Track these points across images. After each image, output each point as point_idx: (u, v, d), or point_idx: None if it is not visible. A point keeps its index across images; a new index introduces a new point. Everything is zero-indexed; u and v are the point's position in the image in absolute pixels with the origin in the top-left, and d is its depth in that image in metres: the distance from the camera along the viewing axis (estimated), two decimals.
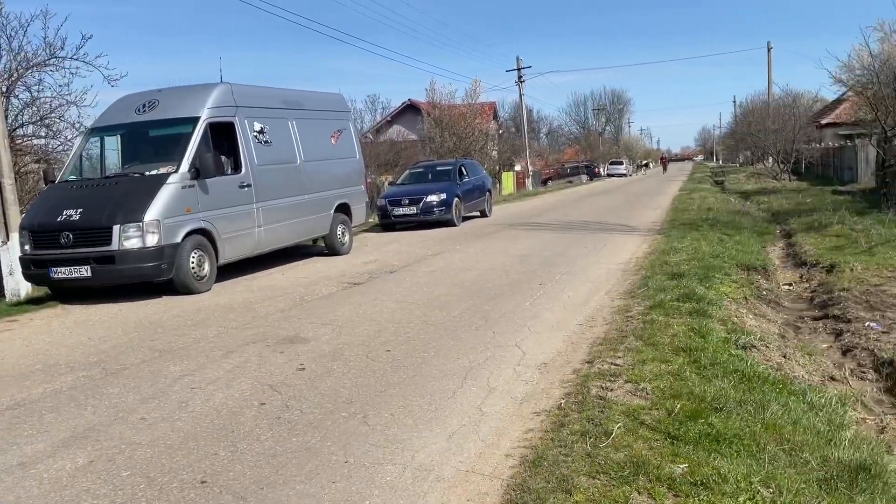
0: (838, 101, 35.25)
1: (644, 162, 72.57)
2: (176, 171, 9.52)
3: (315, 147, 12.59)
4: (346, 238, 13.43)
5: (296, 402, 4.78)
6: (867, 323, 6.44)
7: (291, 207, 11.71)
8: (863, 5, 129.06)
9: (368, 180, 21.23)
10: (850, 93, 27.08)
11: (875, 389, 5.12)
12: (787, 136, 35.54)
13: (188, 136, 9.83)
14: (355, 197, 13.87)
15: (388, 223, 18.10)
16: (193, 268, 9.46)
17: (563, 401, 4.51)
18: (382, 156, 28.19)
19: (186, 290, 9.39)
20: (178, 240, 9.27)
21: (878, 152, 21.71)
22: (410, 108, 44.10)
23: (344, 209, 13.37)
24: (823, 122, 38.50)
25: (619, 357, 5.33)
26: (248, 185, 10.68)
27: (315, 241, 13.52)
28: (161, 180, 9.41)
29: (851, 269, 8.89)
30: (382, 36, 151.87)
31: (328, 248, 13.14)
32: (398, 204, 17.83)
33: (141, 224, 8.94)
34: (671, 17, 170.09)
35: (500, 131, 48.86)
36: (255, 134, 11.01)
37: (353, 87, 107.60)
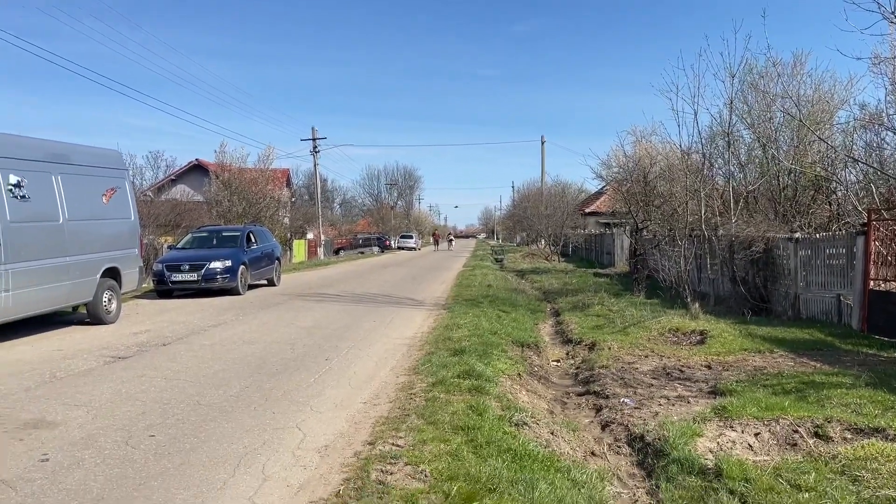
0: (599, 193, 39.85)
1: (450, 237, 75.68)
2: None
3: (82, 205, 11.51)
4: (114, 306, 12.24)
5: (33, 502, 4.12)
6: (622, 399, 7.09)
7: (49, 270, 10.49)
8: (620, 112, 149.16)
9: (145, 242, 19.75)
10: (608, 187, 30.81)
11: (629, 463, 5.60)
12: (557, 221, 39.39)
13: None
14: (127, 261, 12.77)
15: (164, 290, 16.84)
16: None
17: (341, 487, 4.36)
18: (163, 216, 26.47)
19: None
20: None
21: (630, 241, 24.69)
22: (198, 168, 42.30)
23: (113, 273, 12.24)
24: (587, 210, 43.17)
25: (401, 437, 5.31)
26: None
27: (76, 307, 12.15)
28: None
29: (609, 348, 9.82)
30: (170, 92, 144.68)
31: (91, 316, 11.87)
32: (177, 269, 16.71)
33: None
34: (456, 105, 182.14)
35: (293, 199, 48.44)
36: (9, 187, 9.81)
37: (135, 142, 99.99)
